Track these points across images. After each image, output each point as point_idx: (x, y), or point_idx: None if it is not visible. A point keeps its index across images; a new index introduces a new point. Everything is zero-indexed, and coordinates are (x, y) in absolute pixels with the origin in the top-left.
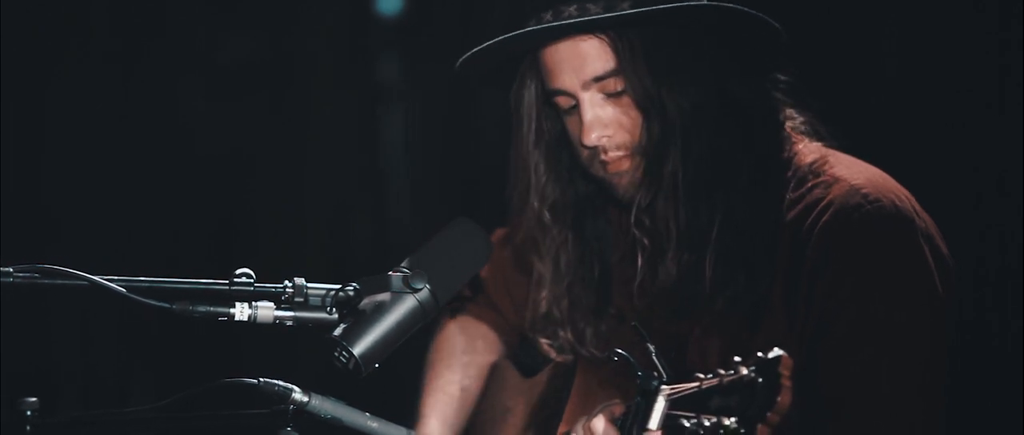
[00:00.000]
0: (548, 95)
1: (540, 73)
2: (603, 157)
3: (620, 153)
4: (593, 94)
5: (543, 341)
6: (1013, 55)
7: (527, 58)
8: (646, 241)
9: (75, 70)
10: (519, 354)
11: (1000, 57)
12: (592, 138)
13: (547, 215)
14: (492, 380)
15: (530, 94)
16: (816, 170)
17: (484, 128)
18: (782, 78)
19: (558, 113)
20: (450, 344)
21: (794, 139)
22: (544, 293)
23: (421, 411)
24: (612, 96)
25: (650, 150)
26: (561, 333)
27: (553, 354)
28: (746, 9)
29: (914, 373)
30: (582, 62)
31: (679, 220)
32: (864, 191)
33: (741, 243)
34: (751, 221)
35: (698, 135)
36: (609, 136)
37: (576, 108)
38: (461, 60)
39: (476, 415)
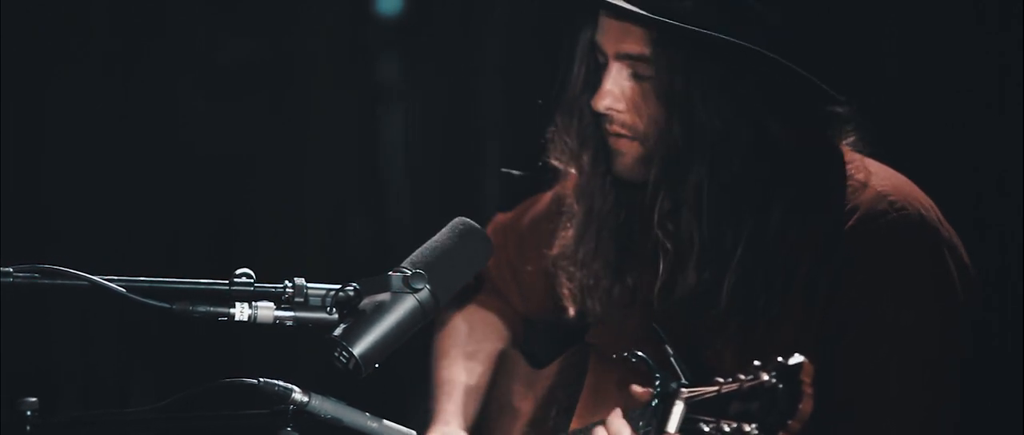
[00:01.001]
0: (593, 45)
1: (594, 22)
2: (608, 127)
3: (623, 131)
4: (621, 67)
5: (562, 278)
6: (1013, 55)
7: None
8: (669, 245)
9: (75, 70)
10: (528, 345)
11: (1000, 57)
12: (600, 105)
13: (584, 157)
14: (501, 371)
15: (585, 38)
16: (845, 175)
17: (484, 128)
18: (838, 110)
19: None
20: (455, 333)
21: (836, 144)
22: (572, 231)
23: (436, 405)
24: (639, 77)
25: (670, 152)
26: (578, 275)
27: (569, 306)
28: (780, 59)
29: (930, 377)
30: (622, 35)
31: (702, 235)
32: (891, 198)
33: (765, 264)
34: (778, 244)
35: (727, 158)
36: (618, 111)
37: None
38: None
39: (485, 406)
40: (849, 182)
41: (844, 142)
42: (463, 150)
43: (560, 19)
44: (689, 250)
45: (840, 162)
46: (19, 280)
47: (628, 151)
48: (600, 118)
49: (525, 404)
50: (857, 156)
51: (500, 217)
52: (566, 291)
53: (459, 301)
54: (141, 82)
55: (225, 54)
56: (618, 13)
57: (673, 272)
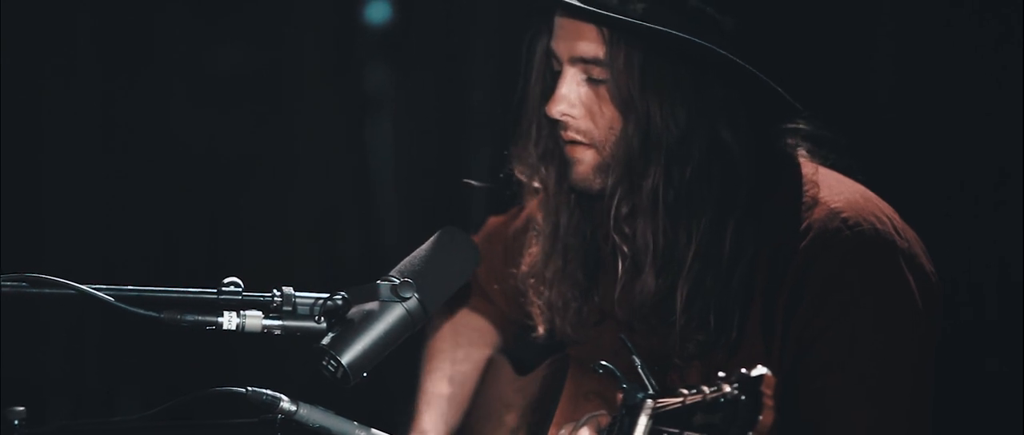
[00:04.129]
0: (548, 52)
1: (550, 28)
2: (563, 134)
3: (579, 138)
4: (576, 71)
5: (531, 296)
6: (1013, 55)
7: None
8: (626, 249)
9: (65, 79)
10: (514, 351)
11: (1000, 57)
12: (554, 111)
13: (543, 170)
14: (487, 376)
15: (541, 47)
16: (798, 191)
17: (474, 136)
18: (792, 125)
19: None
20: (444, 338)
21: (790, 155)
22: (539, 248)
23: (417, 407)
24: (594, 82)
25: (627, 156)
26: (547, 294)
27: (539, 325)
28: (734, 58)
29: (896, 397)
30: (576, 38)
31: (657, 239)
32: (844, 215)
33: (715, 283)
34: (729, 261)
35: (682, 162)
36: (573, 117)
37: (560, 75)
38: None
39: (471, 411)
40: (801, 200)
41: (799, 151)
42: (452, 158)
43: (518, 28)
44: (645, 254)
45: (793, 175)
46: (7, 289)
47: (584, 158)
48: (556, 126)
49: (510, 410)
50: (811, 167)
51: (492, 221)
52: (536, 309)
53: (450, 304)
54: (131, 91)
55: (215, 63)
56: (572, 12)
57: (631, 277)
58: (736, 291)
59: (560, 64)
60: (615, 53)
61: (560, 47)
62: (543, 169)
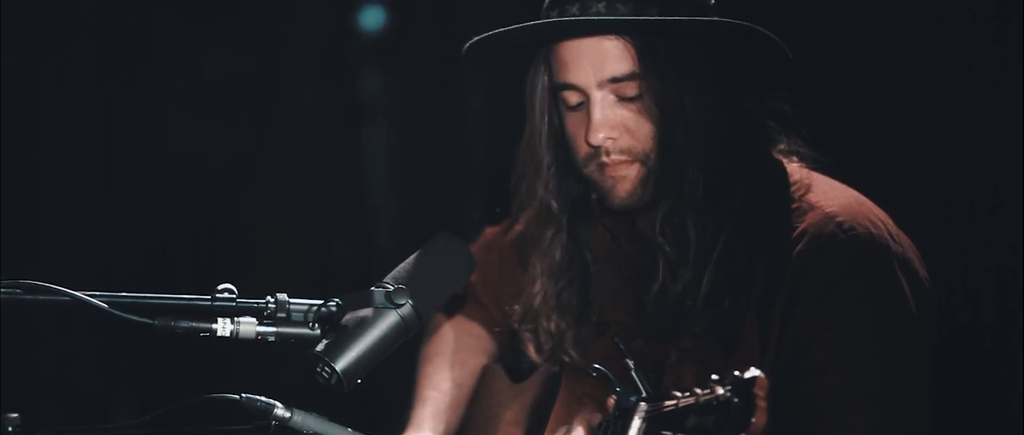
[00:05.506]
0: (555, 88)
1: (551, 64)
2: (604, 159)
3: (622, 158)
4: (606, 94)
5: (527, 337)
6: (1012, 54)
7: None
8: (668, 248)
9: (61, 85)
10: (509, 359)
11: (1000, 56)
12: (598, 138)
13: (555, 205)
14: (483, 384)
15: (543, 82)
16: (792, 195)
17: (467, 142)
18: (776, 103)
19: (561, 107)
20: (442, 343)
21: (780, 160)
22: (537, 287)
23: (415, 412)
24: (625, 100)
25: (670, 158)
26: (545, 326)
27: (534, 354)
28: (773, 36)
29: (893, 399)
30: (602, 60)
31: (693, 231)
32: (838, 219)
33: (732, 264)
34: (741, 242)
35: (711, 147)
36: (614, 139)
37: (582, 105)
38: (471, 44)
39: (467, 418)
40: (795, 204)
41: (789, 158)
42: (447, 164)
43: (521, 67)
44: (687, 249)
45: (787, 180)
46: (1, 295)
47: (628, 174)
48: (593, 154)
49: (507, 419)
50: (804, 173)
51: (489, 231)
52: (531, 346)
53: (447, 310)
54: (126, 97)
55: (210, 69)
56: (616, 29)
57: (671, 276)
58: (745, 276)
59: (582, 94)
60: (647, 60)
61: (582, 76)
62: (554, 204)
